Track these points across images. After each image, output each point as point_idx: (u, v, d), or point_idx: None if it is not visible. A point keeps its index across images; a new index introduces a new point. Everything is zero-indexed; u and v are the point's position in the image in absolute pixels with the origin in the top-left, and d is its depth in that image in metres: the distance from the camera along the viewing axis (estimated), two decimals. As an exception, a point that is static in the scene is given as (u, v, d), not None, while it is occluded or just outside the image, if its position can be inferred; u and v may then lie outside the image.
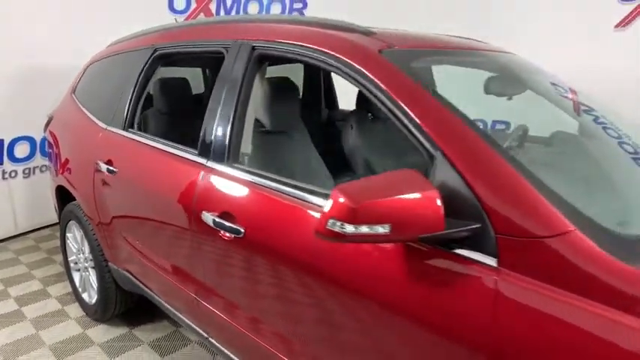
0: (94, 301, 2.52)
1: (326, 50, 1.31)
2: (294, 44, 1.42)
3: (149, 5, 4.50)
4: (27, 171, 3.84)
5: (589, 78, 4.15)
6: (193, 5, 4.85)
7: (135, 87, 2.11)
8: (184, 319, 1.84)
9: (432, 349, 0.98)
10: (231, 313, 1.54)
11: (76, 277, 2.70)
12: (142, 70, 2.11)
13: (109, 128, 2.20)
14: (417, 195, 0.89)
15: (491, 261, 0.90)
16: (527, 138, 1.70)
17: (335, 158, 2.14)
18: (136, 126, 2.11)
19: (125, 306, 2.47)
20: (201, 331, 1.72)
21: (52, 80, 3.44)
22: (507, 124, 2.26)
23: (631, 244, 0.90)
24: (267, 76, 1.75)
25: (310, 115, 2.71)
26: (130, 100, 2.11)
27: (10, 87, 3.57)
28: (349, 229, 0.87)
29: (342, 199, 0.88)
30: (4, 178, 3.70)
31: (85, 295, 2.63)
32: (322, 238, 0.91)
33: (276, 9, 5.15)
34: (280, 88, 1.86)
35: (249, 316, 1.48)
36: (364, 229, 0.87)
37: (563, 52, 4.32)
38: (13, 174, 3.76)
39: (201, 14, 4.86)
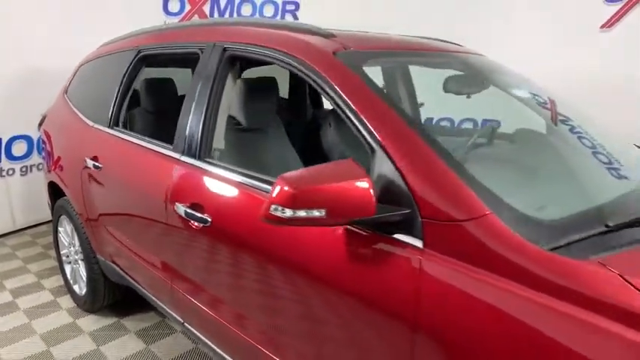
0: (83, 292, 2.62)
1: (286, 51, 1.40)
2: (260, 46, 1.52)
3: (145, 7, 4.60)
4: (24, 169, 3.95)
5: (575, 77, 4.25)
6: (187, 7, 4.95)
7: (120, 87, 2.21)
8: (164, 306, 1.94)
9: (364, 321, 1.08)
10: (201, 298, 1.64)
11: (68, 269, 2.80)
12: (127, 70, 2.21)
13: (96, 126, 2.31)
14: (350, 183, 0.98)
15: (417, 243, 1.00)
16: (496, 134, 1.79)
17: (316, 155, 2.24)
18: (120, 124, 2.21)
19: (113, 297, 2.57)
20: (177, 317, 1.82)
21: (49, 80, 3.53)
22: (474, 121, 2.34)
23: (548, 228, 0.98)
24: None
25: (295, 114, 2.81)
26: (116, 99, 2.22)
27: (8, 87, 3.68)
28: (288, 213, 0.97)
29: (283, 187, 0.97)
30: (1, 175, 3.82)
31: (75, 287, 2.73)
32: (266, 222, 1.01)
33: (269, 10, 5.26)
34: (256, 87, 1.96)
35: (216, 300, 1.57)
36: (302, 213, 0.97)
37: (549, 53, 4.41)
38: (10, 172, 3.87)
39: (195, 16, 4.97)
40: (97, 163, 2.15)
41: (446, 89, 1.68)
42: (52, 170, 2.74)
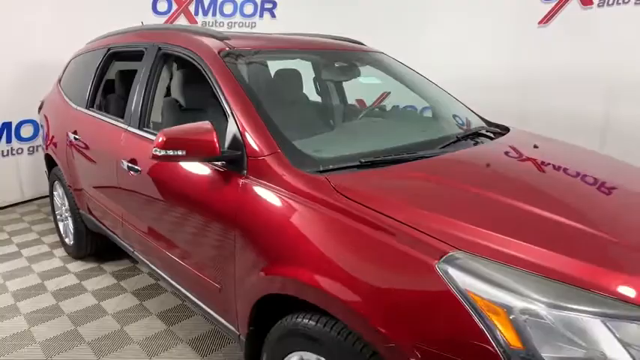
0: (72, 242, 3.28)
1: (191, 49, 2.00)
2: (177, 45, 2.12)
3: (135, 7, 5.21)
4: (31, 149, 4.64)
5: (515, 70, 4.74)
6: (174, 7, 5.56)
7: (94, 77, 2.84)
8: (120, 240, 2.58)
9: (216, 223, 1.68)
10: (139, 228, 2.26)
11: (61, 226, 3.47)
12: (100, 64, 2.84)
13: (78, 108, 2.94)
14: (203, 134, 1.57)
15: (244, 172, 1.59)
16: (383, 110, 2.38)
17: None
18: (95, 106, 2.84)
19: (95, 246, 3.21)
20: (128, 247, 2.46)
21: (51, 72, 4.19)
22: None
23: (314, 161, 1.54)
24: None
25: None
26: (91, 86, 2.85)
27: (18, 77, 4.35)
28: (161, 152, 1.56)
29: (160, 136, 1.57)
30: (12, 154, 4.51)
31: (67, 240, 3.40)
32: (152, 159, 1.61)
33: (249, 9, 5.83)
34: (191, 76, 2.55)
35: (148, 228, 2.20)
36: (170, 152, 1.56)
37: (491, 49, 4.90)
38: (19, 151, 4.57)
39: (182, 15, 5.57)
40: (76, 136, 2.79)
41: (320, 77, 2.26)
42: (48, 146, 3.40)
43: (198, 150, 1.57)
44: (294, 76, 2.31)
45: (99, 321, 2.56)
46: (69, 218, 3.28)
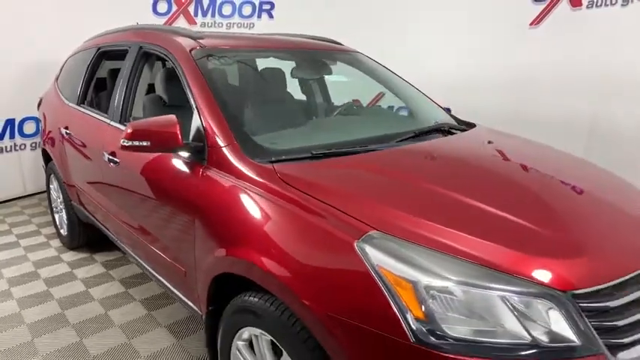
0: (66, 233, 3.44)
1: (166, 48, 2.13)
2: (155, 44, 2.25)
3: (136, 8, 5.36)
4: (33, 144, 4.82)
5: (508, 70, 4.80)
6: (174, 8, 5.72)
7: (85, 75, 2.99)
8: (103, 227, 2.72)
9: (177, 214, 1.80)
10: (119, 216, 2.40)
11: (57, 217, 3.63)
12: (90, 63, 2.99)
13: (70, 104, 3.09)
14: (166, 127, 1.68)
15: (204, 161, 1.70)
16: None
17: None
18: (86, 102, 2.99)
19: (86, 236, 3.36)
20: (110, 233, 2.59)
21: (53, 70, 4.35)
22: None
23: (267, 152, 1.65)
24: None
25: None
26: (82, 83, 2.99)
27: (21, 77, 4.54)
28: (128, 143, 1.68)
29: (127, 128, 1.69)
30: (15, 150, 4.70)
31: (62, 231, 3.55)
32: (120, 149, 1.73)
33: (247, 10, 5.97)
34: (174, 73, 2.67)
35: (125, 215, 2.33)
36: (136, 142, 1.68)
37: (485, 49, 4.97)
38: (22, 147, 4.75)
39: (181, 16, 5.73)
40: (67, 131, 2.94)
41: (292, 75, 2.37)
42: (44, 141, 3.56)
43: (161, 141, 1.69)
44: (267, 74, 2.42)
45: (85, 306, 2.70)
46: (63, 210, 3.43)
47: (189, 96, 1.87)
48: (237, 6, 5.94)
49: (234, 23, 5.98)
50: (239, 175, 1.56)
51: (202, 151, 1.72)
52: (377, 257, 1.13)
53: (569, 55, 4.51)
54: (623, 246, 1.31)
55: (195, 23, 5.79)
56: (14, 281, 3.00)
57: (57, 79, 3.66)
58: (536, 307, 1.08)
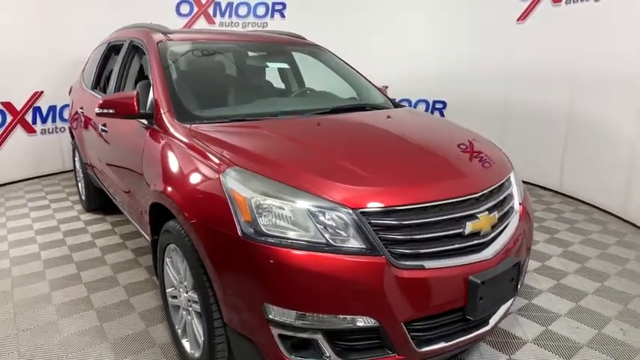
0: (84, 197, 4.15)
1: (141, 40, 2.70)
2: (138, 39, 2.84)
3: (160, 9, 6.02)
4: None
5: (495, 65, 5.07)
6: (195, 9, 6.39)
7: (97, 65, 3.66)
8: (102, 186, 3.35)
9: (135, 166, 2.34)
10: (108, 173, 3.02)
11: (80, 185, 4.36)
12: (102, 55, 3.65)
13: (87, 89, 3.77)
14: (127, 98, 2.25)
15: (152, 125, 2.25)
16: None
17: None
18: (98, 87, 3.65)
19: (99, 200, 4.04)
20: (107, 190, 3.22)
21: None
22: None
23: (194, 117, 2.17)
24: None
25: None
26: (95, 72, 3.66)
27: (61, 70, 5.34)
28: (99, 110, 2.26)
29: (100, 100, 2.27)
30: (56, 132, 5.53)
31: (82, 196, 4.27)
32: (96, 115, 2.31)
33: (261, 10, 6.53)
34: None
35: (112, 171, 2.94)
36: (104, 110, 2.26)
37: (475, 45, 5.25)
38: (62, 129, 5.58)
39: (202, 17, 6.39)
40: (82, 110, 3.62)
41: (239, 63, 2.89)
42: (71, 121, 4.29)
43: (122, 109, 2.26)
44: (217, 61, 2.94)
45: (88, 251, 3.35)
46: (82, 179, 4.14)
47: (150, 77, 2.43)
48: (252, 7, 6.51)
49: (249, 23, 6.55)
50: (169, 133, 2.10)
51: (152, 118, 2.27)
52: (232, 183, 1.62)
53: (551, 50, 4.70)
54: (420, 185, 1.69)
55: (214, 23, 6.42)
56: (40, 231, 3.72)
57: (83, 70, 4.38)
58: (332, 217, 1.52)
